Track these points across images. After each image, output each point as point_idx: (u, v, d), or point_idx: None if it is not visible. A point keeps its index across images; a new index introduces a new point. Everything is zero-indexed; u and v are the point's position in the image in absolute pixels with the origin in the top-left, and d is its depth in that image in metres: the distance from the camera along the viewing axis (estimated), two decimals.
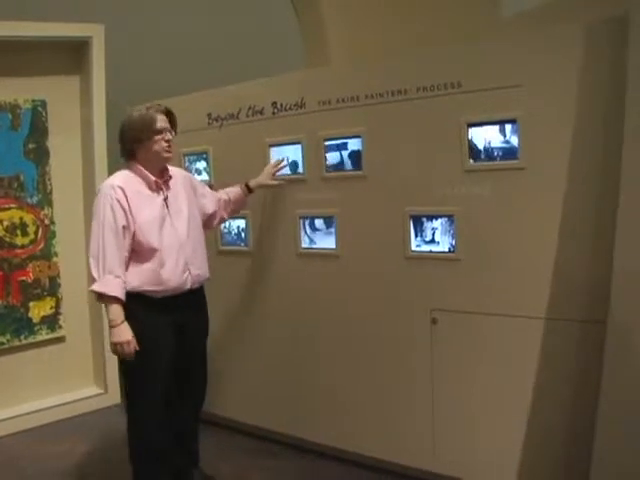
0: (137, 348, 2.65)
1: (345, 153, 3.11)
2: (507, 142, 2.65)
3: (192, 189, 2.99)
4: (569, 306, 2.57)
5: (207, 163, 3.71)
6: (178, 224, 2.78)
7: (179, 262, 2.75)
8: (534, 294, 2.64)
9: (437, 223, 2.86)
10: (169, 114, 2.83)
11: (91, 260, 2.65)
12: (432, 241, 2.89)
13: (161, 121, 2.75)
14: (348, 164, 3.11)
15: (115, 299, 2.62)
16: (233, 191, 3.25)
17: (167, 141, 2.76)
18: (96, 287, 2.62)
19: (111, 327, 2.63)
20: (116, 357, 2.78)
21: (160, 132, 2.74)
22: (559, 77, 2.50)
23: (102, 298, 2.64)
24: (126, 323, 2.64)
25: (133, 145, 2.76)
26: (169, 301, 2.74)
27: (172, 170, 2.91)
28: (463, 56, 2.73)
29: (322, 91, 3.16)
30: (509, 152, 2.65)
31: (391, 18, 3.73)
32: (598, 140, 2.46)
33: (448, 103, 2.76)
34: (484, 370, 2.80)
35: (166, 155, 2.77)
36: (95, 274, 2.64)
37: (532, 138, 2.57)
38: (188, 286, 2.80)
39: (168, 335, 2.76)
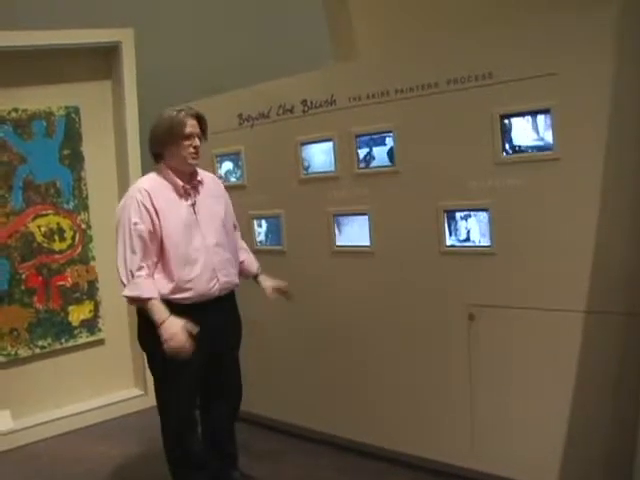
0: (192, 337, 2.56)
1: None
2: (541, 139, 2.59)
3: (226, 204, 2.95)
4: (609, 299, 2.50)
5: (234, 164, 3.73)
6: (206, 230, 2.73)
7: (206, 269, 2.72)
8: (573, 287, 2.57)
9: (472, 222, 2.82)
10: (200, 119, 2.76)
11: (119, 265, 2.62)
12: (467, 240, 2.86)
13: (190, 126, 2.69)
14: None
15: (149, 300, 2.59)
16: (247, 262, 3.10)
17: (195, 147, 2.70)
18: (127, 291, 2.60)
19: (158, 327, 2.54)
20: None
21: (188, 137, 2.69)
22: (595, 63, 2.43)
23: (136, 301, 2.62)
24: (172, 317, 2.56)
25: (161, 147, 2.73)
26: (198, 308, 2.69)
27: (203, 175, 2.88)
28: (494, 45, 2.68)
29: (352, 87, 3.14)
30: (543, 149, 2.59)
31: (419, 7, 3.68)
32: (636, 129, 2.38)
33: (479, 95, 2.71)
34: (523, 365, 2.74)
35: (191, 161, 2.71)
36: (124, 279, 2.61)
37: (567, 128, 2.51)
38: (216, 293, 2.76)
39: (197, 342, 2.69)
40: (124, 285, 2.61)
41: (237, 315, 2.99)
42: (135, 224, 2.61)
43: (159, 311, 2.58)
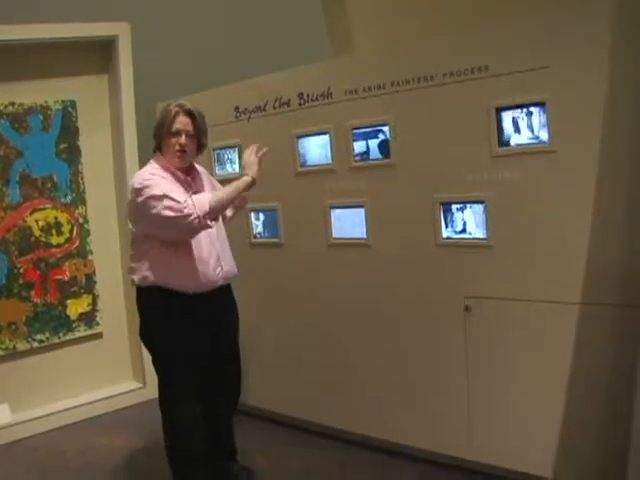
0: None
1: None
2: (536, 137, 2.60)
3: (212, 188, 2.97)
4: (604, 291, 2.52)
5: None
6: None
7: (212, 257, 2.76)
8: (568, 279, 2.59)
9: (468, 214, 2.83)
10: (195, 117, 2.73)
11: (174, 216, 2.52)
12: (463, 231, 2.87)
13: (180, 123, 2.69)
14: None
15: (213, 199, 2.60)
16: None
17: (180, 144, 2.69)
18: (199, 211, 2.53)
19: (249, 186, 2.75)
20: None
21: (175, 134, 2.69)
22: (589, 56, 2.43)
23: (217, 206, 2.61)
24: (243, 177, 2.76)
25: (157, 139, 2.76)
26: (202, 298, 2.72)
27: (198, 168, 2.91)
28: (489, 39, 2.69)
29: (348, 80, 3.14)
30: (538, 143, 2.60)
31: (416, 2, 3.68)
32: (630, 121, 2.39)
33: (475, 88, 2.72)
34: (519, 357, 2.76)
35: (177, 158, 2.72)
36: (191, 212, 2.52)
37: (562, 120, 2.51)
38: (220, 282, 2.80)
39: (202, 334, 2.76)
40: (197, 218, 2.54)
41: (235, 307, 3.02)
42: (157, 183, 2.61)
43: (232, 186, 2.71)
